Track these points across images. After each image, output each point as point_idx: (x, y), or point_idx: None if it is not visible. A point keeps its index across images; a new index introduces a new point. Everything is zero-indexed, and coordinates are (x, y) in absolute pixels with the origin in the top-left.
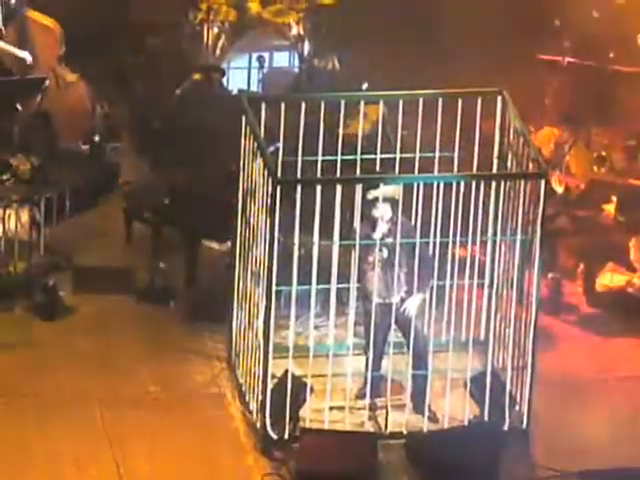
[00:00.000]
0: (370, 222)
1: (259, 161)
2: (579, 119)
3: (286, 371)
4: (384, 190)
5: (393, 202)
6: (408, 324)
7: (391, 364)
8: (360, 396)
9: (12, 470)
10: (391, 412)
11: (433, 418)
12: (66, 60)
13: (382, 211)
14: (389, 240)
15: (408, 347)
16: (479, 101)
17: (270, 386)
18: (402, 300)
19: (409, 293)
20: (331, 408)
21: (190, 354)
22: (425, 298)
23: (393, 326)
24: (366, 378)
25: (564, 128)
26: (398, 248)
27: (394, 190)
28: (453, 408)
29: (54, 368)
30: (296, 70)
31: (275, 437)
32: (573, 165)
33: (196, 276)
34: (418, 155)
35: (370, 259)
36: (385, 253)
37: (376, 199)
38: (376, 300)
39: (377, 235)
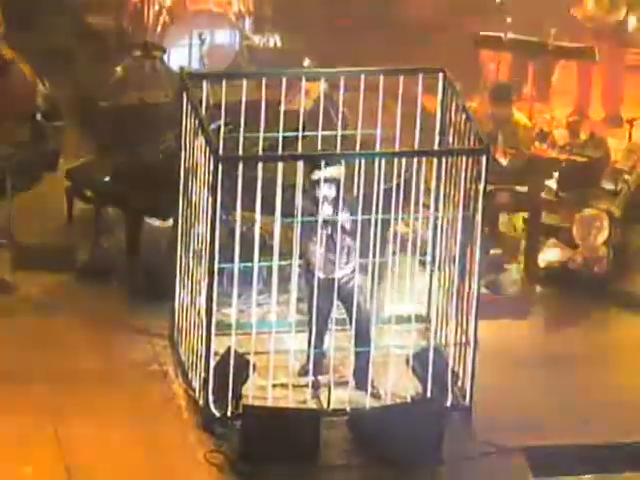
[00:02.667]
0: (313, 200)
1: (200, 138)
2: (510, 94)
3: (229, 348)
4: (328, 171)
5: (337, 182)
6: (351, 300)
7: (334, 341)
8: (303, 373)
9: None
10: (334, 389)
11: (376, 395)
12: (5, 37)
13: (326, 191)
14: (333, 217)
15: (351, 323)
16: (420, 78)
17: (213, 363)
18: (345, 276)
19: (352, 269)
20: (274, 385)
21: (132, 332)
22: (368, 274)
23: (336, 302)
24: (309, 355)
25: (500, 104)
26: (340, 226)
27: (338, 170)
28: (396, 385)
29: None
30: (237, 47)
31: (218, 414)
32: (515, 140)
33: (138, 254)
34: (360, 132)
35: (313, 236)
36: (329, 230)
37: (320, 180)
38: (319, 275)
39: (321, 214)
